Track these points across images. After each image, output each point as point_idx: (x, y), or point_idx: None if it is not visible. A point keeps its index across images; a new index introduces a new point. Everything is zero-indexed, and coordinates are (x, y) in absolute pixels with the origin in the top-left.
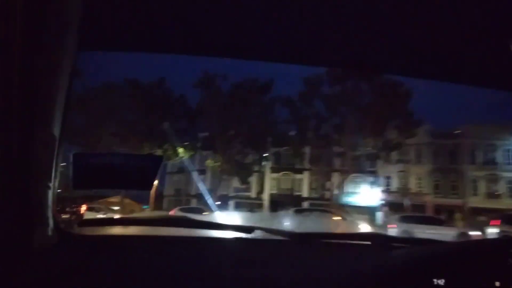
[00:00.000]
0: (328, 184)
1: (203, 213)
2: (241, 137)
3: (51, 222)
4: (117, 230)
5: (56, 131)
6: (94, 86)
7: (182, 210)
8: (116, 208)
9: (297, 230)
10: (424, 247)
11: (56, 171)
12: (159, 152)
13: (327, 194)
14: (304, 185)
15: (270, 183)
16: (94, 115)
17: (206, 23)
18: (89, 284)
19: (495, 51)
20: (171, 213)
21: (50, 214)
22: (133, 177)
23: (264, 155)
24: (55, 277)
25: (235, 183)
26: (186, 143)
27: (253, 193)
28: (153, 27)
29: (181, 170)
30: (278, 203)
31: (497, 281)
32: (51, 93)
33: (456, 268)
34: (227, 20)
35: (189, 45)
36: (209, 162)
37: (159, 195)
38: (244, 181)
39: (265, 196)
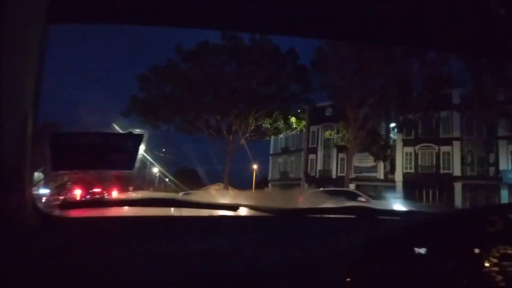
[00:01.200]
0: (491, 157)
1: None
2: (374, 97)
3: (30, 205)
4: (101, 212)
5: (29, 109)
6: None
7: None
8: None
9: None
10: (406, 218)
11: (32, 152)
12: (266, 122)
13: (491, 170)
14: (455, 159)
15: (405, 159)
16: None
17: None
18: (71, 265)
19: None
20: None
21: (28, 197)
22: (114, 157)
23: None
24: (36, 259)
25: (358, 161)
26: (299, 111)
27: (380, 174)
28: None
29: (288, 148)
30: (415, 185)
31: (476, 248)
32: (21, 69)
33: (437, 237)
34: None
35: (170, 15)
36: (329, 133)
37: (262, 181)
38: (379, 156)
39: (398, 177)
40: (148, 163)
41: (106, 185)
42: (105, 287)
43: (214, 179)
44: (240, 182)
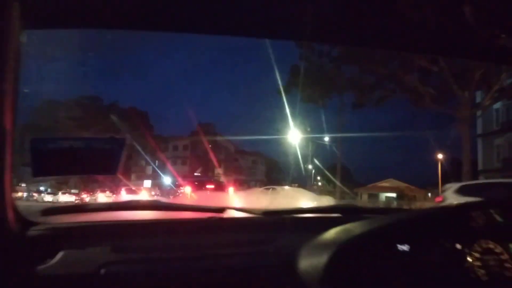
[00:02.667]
0: None
1: None
2: None
3: (10, 211)
4: (82, 217)
5: (7, 114)
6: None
7: None
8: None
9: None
10: (389, 215)
11: (11, 157)
12: None
13: None
14: None
15: None
16: None
17: None
18: (53, 272)
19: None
20: None
21: (9, 203)
22: (97, 161)
23: None
24: (18, 267)
25: None
26: None
27: None
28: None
29: None
30: None
31: (458, 243)
32: None
33: (419, 233)
34: None
35: (151, 20)
36: None
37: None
38: None
39: None
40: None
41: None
42: None
43: (379, 175)
44: (417, 177)
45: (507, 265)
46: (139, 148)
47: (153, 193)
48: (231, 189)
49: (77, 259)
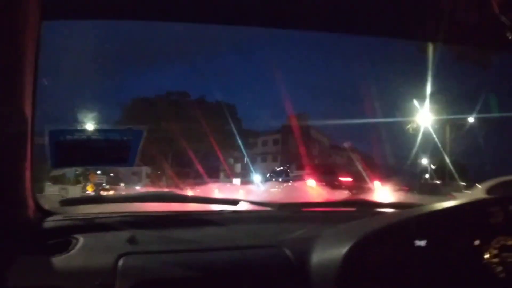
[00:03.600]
0: None
1: None
2: None
3: (30, 201)
4: (99, 208)
5: (27, 106)
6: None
7: None
8: None
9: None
10: (406, 210)
11: (31, 148)
12: None
13: None
14: None
15: None
16: None
17: None
18: (70, 262)
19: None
20: None
21: (29, 194)
22: (114, 153)
23: None
24: (36, 256)
25: None
26: None
27: None
28: None
29: None
30: None
31: (476, 240)
32: (17, 66)
33: (437, 229)
34: None
35: (168, 10)
36: None
37: None
38: None
39: None
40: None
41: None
42: (102, 285)
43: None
44: None
45: None
46: (224, 145)
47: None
48: (377, 183)
49: (94, 249)
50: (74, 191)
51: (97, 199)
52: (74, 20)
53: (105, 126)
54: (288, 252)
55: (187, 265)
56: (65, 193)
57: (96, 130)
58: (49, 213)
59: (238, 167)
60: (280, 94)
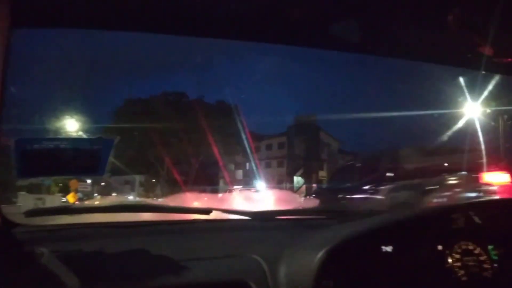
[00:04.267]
0: None
1: None
2: None
3: None
4: (67, 219)
5: None
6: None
7: None
8: None
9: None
10: (374, 217)
11: None
12: None
13: None
14: None
15: None
16: None
17: None
18: (38, 274)
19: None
20: None
21: None
22: (83, 162)
23: None
24: (2, 269)
25: None
26: None
27: None
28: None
29: None
30: None
31: (440, 245)
32: None
33: (403, 235)
34: None
35: (142, 20)
36: None
37: None
38: None
39: None
40: None
41: None
42: None
43: None
44: None
45: (486, 265)
46: (225, 150)
47: None
48: None
49: (60, 261)
50: (52, 201)
51: (66, 210)
52: (46, 29)
53: (89, 132)
54: (261, 261)
55: (157, 276)
56: (42, 203)
57: (65, 139)
58: (15, 225)
59: (239, 174)
60: (285, 94)
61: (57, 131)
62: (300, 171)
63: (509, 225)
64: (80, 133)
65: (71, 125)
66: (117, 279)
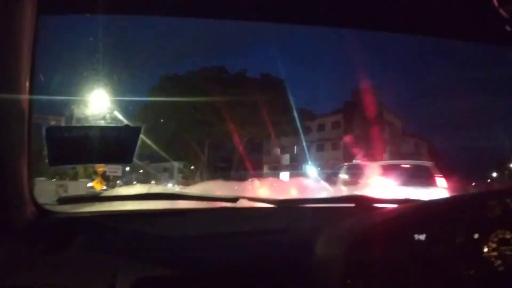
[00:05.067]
0: None
1: None
2: None
3: (28, 200)
4: (99, 207)
5: (25, 102)
6: None
7: None
8: None
9: None
10: (405, 205)
11: (29, 146)
12: None
13: None
14: None
15: None
16: None
17: None
18: (69, 262)
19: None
20: None
21: (26, 191)
22: (112, 150)
23: None
24: (34, 255)
25: None
26: None
27: None
28: None
29: None
30: None
31: (476, 233)
32: (13, 62)
33: (436, 223)
34: None
35: (165, 4)
36: None
37: None
38: None
39: None
40: None
41: None
42: (102, 284)
43: None
44: None
45: None
46: (270, 131)
47: None
48: None
49: (94, 248)
50: (76, 188)
51: (96, 198)
52: (72, 15)
53: (125, 114)
54: (288, 249)
55: (187, 263)
56: (63, 191)
57: (93, 127)
58: (48, 212)
59: (286, 159)
60: (340, 65)
61: (92, 115)
62: (358, 156)
63: None
64: (115, 114)
65: (105, 108)
66: (150, 266)
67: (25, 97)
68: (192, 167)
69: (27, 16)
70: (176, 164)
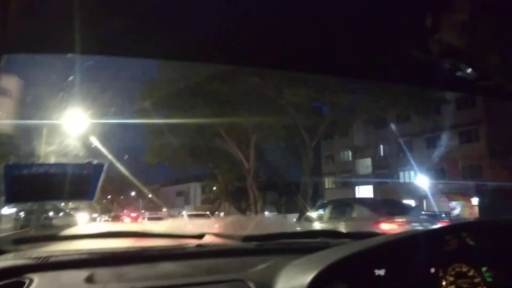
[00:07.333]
0: None
1: None
2: None
3: None
4: (57, 247)
5: None
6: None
7: None
8: None
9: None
10: (365, 240)
11: None
12: None
13: None
14: None
15: None
16: None
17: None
18: None
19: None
20: None
21: None
22: (72, 187)
23: None
24: None
25: None
26: None
27: None
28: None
29: None
30: None
31: (433, 267)
32: None
33: (395, 257)
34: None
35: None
36: None
37: None
38: None
39: None
40: None
41: None
42: None
43: None
44: None
45: None
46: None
47: None
48: None
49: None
50: None
51: (53, 237)
52: (37, 54)
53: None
54: (252, 285)
55: None
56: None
57: (55, 165)
58: (2, 252)
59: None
60: None
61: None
62: None
63: (502, 246)
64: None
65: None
66: None
67: None
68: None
69: None
70: (192, 186)
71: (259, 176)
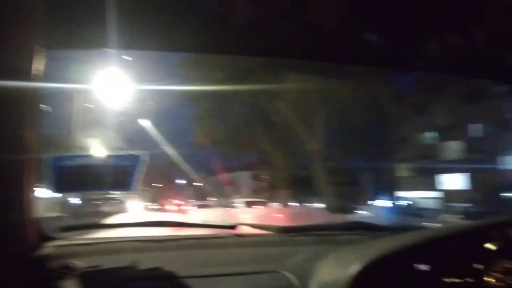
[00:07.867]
0: None
1: None
2: None
3: (29, 226)
4: (102, 234)
5: (31, 132)
6: None
7: None
8: None
9: None
10: (407, 234)
11: (34, 173)
12: None
13: None
14: None
15: None
16: None
17: None
18: None
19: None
20: None
21: (30, 217)
22: (114, 178)
23: None
24: (36, 283)
25: None
26: None
27: None
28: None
29: None
30: None
31: (477, 263)
32: (21, 94)
33: (438, 253)
34: None
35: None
36: None
37: None
38: None
39: None
40: None
41: None
42: None
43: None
44: None
45: None
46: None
47: None
48: None
49: (95, 275)
50: None
51: (98, 225)
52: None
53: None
54: (290, 277)
55: None
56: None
57: (97, 156)
58: (49, 239)
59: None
60: None
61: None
62: None
63: None
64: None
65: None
66: None
67: (31, 126)
68: (263, 177)
69: (34, 50)
70: (243, 175)
71: (328, 159)
